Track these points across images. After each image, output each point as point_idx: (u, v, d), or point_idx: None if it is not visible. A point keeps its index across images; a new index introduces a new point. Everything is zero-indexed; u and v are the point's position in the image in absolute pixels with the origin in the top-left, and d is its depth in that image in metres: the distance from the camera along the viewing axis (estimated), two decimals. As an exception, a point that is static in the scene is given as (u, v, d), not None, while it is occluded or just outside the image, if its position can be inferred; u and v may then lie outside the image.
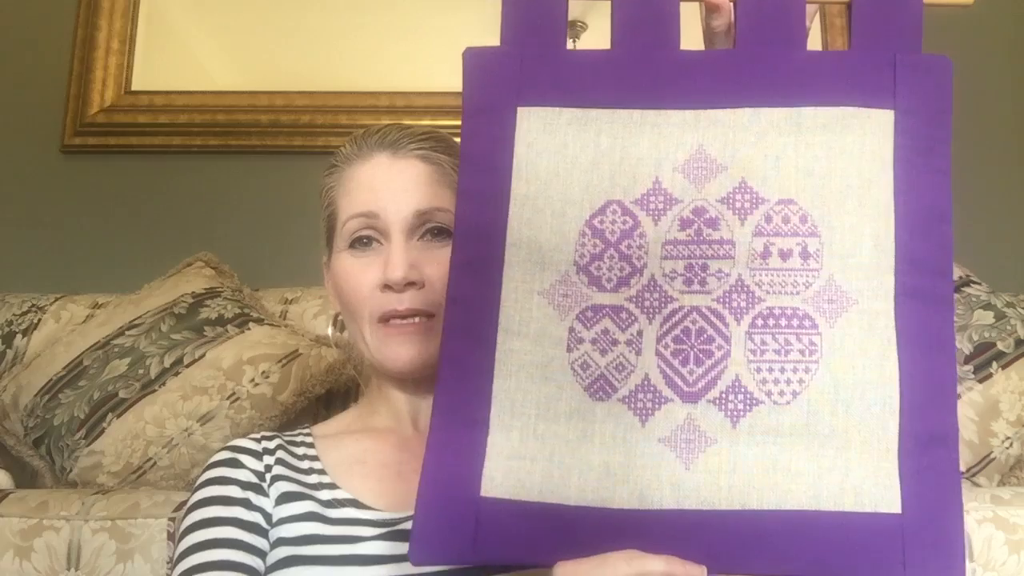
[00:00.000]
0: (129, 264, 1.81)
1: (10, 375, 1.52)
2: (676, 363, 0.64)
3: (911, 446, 0.63)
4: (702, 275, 0.65)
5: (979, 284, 1.51)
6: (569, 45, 2.04)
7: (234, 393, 1.39)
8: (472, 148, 0.68)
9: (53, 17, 2.03)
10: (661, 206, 0.65)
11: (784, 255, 0.64)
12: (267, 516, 0.81)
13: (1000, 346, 1.40)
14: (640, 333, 0.64)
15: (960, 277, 1.50)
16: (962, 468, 1.32)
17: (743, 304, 0.64)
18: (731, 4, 0.69)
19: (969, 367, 1.38)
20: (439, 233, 0.85)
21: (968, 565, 1.01)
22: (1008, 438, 1.34)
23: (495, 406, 0.65)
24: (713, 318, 0.64)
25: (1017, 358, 1.39)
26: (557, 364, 0.65)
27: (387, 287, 0.83)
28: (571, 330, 0.65)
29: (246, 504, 0.80)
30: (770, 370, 0.63)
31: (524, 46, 0.68)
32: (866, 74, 0.67)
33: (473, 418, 0.65)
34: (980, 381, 1.37)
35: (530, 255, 0.66)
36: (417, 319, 0.84)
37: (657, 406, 0.63)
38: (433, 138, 0.89)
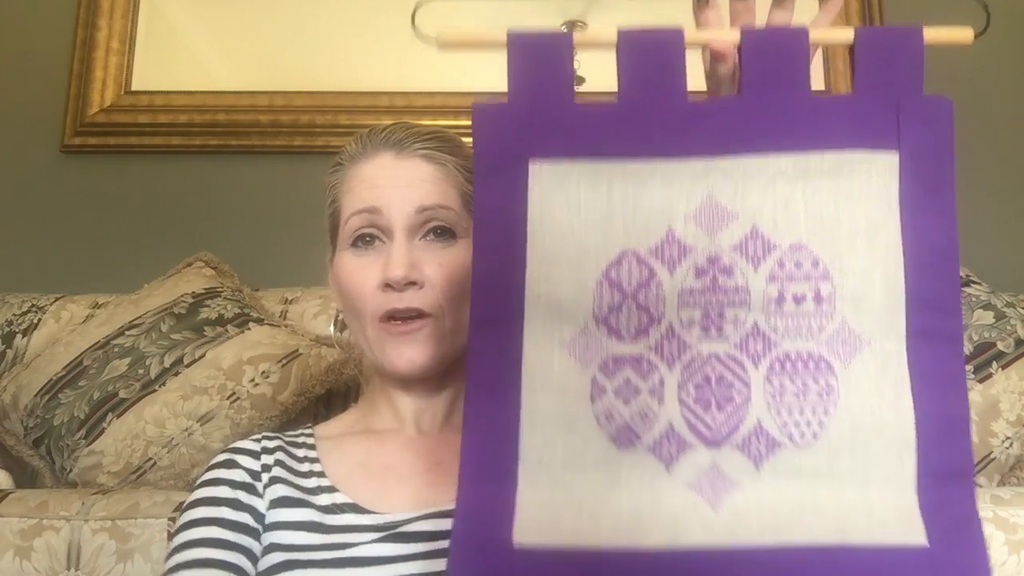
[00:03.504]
0: (129, 264, 1.81)
1: (10, 375, 1.52)
2: (699, 410, 0.64)
3: (928, 483, 0.64)
4: (719, 322, 0.65)
5: (979, 284, 1.51)
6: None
7: (234, 393, 1.39)
8: (485, 203, 0.68)
9: (53, 17, 2.04)
10: (676, 256, 0.66)
11: (798, 300, 0.65)
12: (258, 515, 0.80)
13: (1000, 346, 1.40)
14: (662, 382, 0.65)
15: (960, 277, 1.50)
16: (962, 468, 1.32)
17: (760, 349, 0.65)
18: (735, 51, 0.70)
19: (969, 367, 1.38)
20: (442, 233, 0.85)
21: (968, 565, 1.01)
22: (1008, 438, 1.35)
23: (523, 461, 0.65)
24: (732, 364, 0.65)
25: (1017, 358, 1.39)
26: (582, 416, 0.65)
27: (388, 286, 0.83)
28: (594, 381, 0.65)
29: (233, 504, 0.80)
30: (790, 413, 0.64)
31: (533, 100, 0.68)
32: (870, 118, 0.67)
33: (501, 473, 0.65)
34: (980, 381, 1.37)
35: (549, 309, 0.66)
36: (418, 321, 0.84)
37: (681, 452, 0.64)
38: (438, 138, 0.89)
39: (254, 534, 0.80)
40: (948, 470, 0.64)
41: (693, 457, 0.64)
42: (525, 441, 0.65)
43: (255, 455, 0.85)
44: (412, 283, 0.83)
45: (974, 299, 1.46)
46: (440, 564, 0.75)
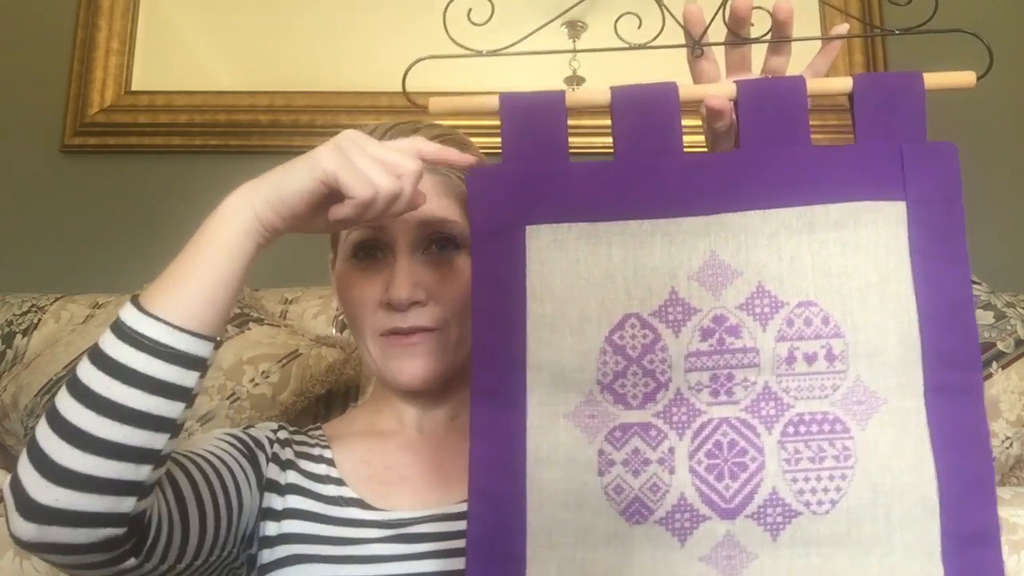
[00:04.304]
0: (129, 264, 1.81)
1: (10, 375, 1.52)
2: (711, 479, 0.62)
3: (953, 547, 0.62)
4: (728, 385, 0.63)
5: (979, 284, 1.51)
6: (568, 45, 2.05)
7: (234, 393, 1.39)
8: (484, 270, 0.66)
9: (53, 17, 2.03)
10: (680, 317, 0.64)
11: (809, 359, 0.63)
12: (259, 470, 0.81)
13: (1000, 346, 1.40)
14: (671, 450, 0.63)
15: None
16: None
17: (772, 412, 0.63)
18: (731, 104, 0.68)
19: (969, 367, 1.38)
20: (445, 244, 0.84)
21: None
22: (1008, 438, 1.35)
23: (531, 539, 0.63)
24: (744, 429, 0.63)
25: (1017, 358, 1.39)
26: (590, 490, 0.63)
27: (390, 305, 0.82)
28: (601, 452, 0.63)
29: (240, 438, 0.82)
30: (806, 479, 0.62)
31: (527, 163, 0.67)
32: (874, 167, 0.66)
33: (509, 553, 0.63)
34: (980, 381, 1.37)
35: (552, 377, 0.65)
36: (421, 335, 0.83)
37: (695, 525, 0.62)
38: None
39: (249, 460, 0.81)
40: (974, 534, 0.62)
41: (708, 529, 0.62)
42: (532, 518, 0.63)
43: (273, 430, 0.86)
44: (416, 302, 0.82)
45: (974, 299, 1.46)
46: (442, 564, 0.76)
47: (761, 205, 0.65)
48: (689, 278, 0.64)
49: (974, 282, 1.50)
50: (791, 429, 0.63)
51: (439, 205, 0.83)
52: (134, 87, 2.00)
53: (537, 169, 0.67)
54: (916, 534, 0.62)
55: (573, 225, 0.66)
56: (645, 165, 0.66)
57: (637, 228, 0.65)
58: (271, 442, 0.84)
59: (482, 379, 0.65)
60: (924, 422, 0.63)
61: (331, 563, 0.76)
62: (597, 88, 0.68)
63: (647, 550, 0.62)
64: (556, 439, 0.64)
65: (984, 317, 1.44)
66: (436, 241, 0.84)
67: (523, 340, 0.65)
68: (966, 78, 0.69)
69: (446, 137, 0.87)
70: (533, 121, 0.68)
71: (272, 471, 0.82)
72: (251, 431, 0.85)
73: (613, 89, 0.68)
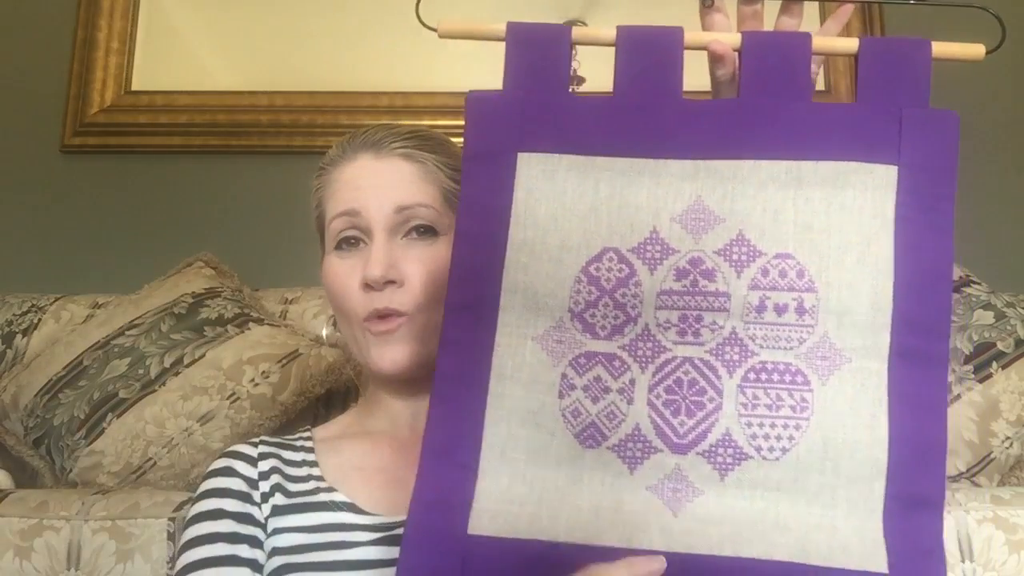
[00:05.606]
0: (129, 264, 1.81)
1: (10, 375, 1.52)
2: (667, 413, 0.63)
3: (896, 508, 0.62)
4: (696, 326, 0.64)
5: (979, 284, 1.50)
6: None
7: (234, 393, 1.39)
8: (472, 192, 0.68)
9: (53, 17, 2.04)
10: (658, 255, 0.65)
11: (779, 310, 0.64)
12: (258, 523, 0.80)
13: (1000, 346, 1.40)
14: (632, 382, 0.64)
15: (960, 277, 1.50)
16: (962, 468, 1.32)
17: (736, 357, 0.64)
18: (735, 54, 0.69)
19: (969, 367, 1.38)
20: (424, 232, 0.85)
21: (968, 565, 1.01)
22: (1008, 438, 1.34)
23: (485, 451, 0.65)
24: (706, 370, 0.64)
25: (1017, 358, 1.39)
26: (548, 410, 0.65)
27: (368, 286, 0.83)
28: (563, 376, 0.65)
29: (236, 517, 0.80)
30: (760, 425, 0.63)
31: (527, 91, 0.68)
32: (871, 129, 0.66)
33: (462, 462, 0.65)
34: (980, 381, 1.37)
35: (525, 300, 0.66)
36: (396, 320, 0.83)
37: (646, 455, 0.63)
38: (417, 136, 0.89)
39: (257, 543, 0.79)
40: (917, 498, 0.63)
41: (657, 461, 0.63)
42: (489, 431, 0.65)
43: (252, 461, 0.84)
44: (391, 282, 0.83)
45: (974, 299, 1.46)
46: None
47: (752, 155, 0.66)
48: (672, 220, 0.65)
49: (974, 282, 1.50)
50: (752, 375, 0.64)
51: (418, 190, 0.85)
52: (134, 87, 2.00)
53: (535, 98, 0.68)
54: (861, 492, 0.63)
55: (564, 156, 0.67)
56: (642, 104, 0.67)
57: (626, 165, 0.66)
58: (254, 482, 0.83)
59: (457, 295, 0.67)
60: (884, 385, 0.64)
61: (321, 570, 0.76)
62: (603, 26, 0.69)
63: (596, 474, 0.63)
64: (522, 359, 0.66)
65: (984, 317, 1.44)
66: (415, 227, 0.85)
67: (501, 262, 0.66)
68: (975, 50, 0.69)
69: (418, 134, 0.89)
70: (537, 50, 0.69)
71: (266, 503, 0.82)
72: (240, 505, 0.81)
73: (619, 27, 0.69)
